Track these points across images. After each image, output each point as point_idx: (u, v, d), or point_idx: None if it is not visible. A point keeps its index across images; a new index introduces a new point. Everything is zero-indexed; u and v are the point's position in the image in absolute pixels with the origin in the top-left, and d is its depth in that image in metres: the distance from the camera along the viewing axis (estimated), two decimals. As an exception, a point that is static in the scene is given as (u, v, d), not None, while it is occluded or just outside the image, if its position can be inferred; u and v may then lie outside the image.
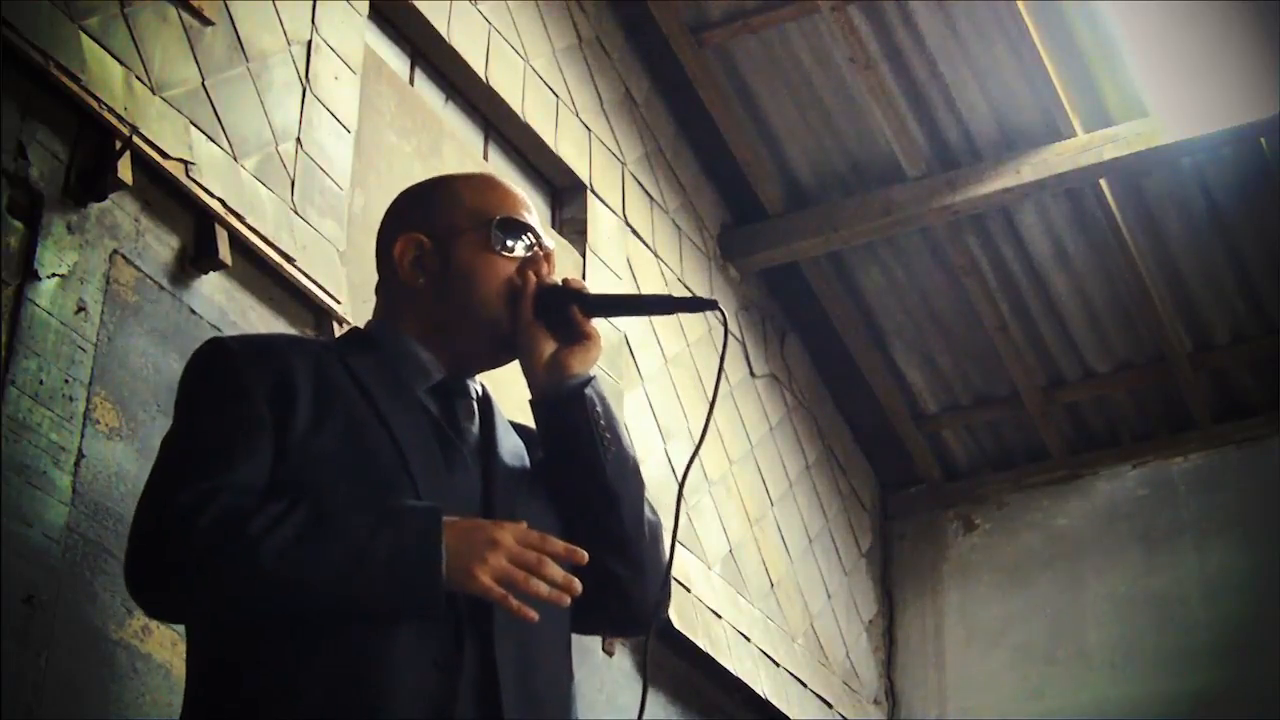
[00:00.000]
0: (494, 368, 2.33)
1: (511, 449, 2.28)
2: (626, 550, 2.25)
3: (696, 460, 2.19)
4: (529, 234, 2.30)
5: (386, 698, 1.98)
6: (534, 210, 2.36)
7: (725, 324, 2.26)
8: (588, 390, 2.24)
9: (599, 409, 2.24)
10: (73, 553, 2.69)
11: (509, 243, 2.28)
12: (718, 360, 2.27)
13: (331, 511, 2.02)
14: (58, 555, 2.66)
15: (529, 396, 2.28)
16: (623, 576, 2.25)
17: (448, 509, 2.06)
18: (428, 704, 2.01)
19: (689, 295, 2.27)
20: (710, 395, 2.27)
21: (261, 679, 2.00)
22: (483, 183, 2.38)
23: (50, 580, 2.63)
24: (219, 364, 2.15)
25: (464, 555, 1.99)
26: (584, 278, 4.49)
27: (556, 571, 2.04)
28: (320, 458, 2.09)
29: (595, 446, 2.23)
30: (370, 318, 2.37)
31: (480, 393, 2.32)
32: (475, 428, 2.27)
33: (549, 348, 2.25)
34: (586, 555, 2.08)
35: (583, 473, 2.24)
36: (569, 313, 2.26)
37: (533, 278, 2.27)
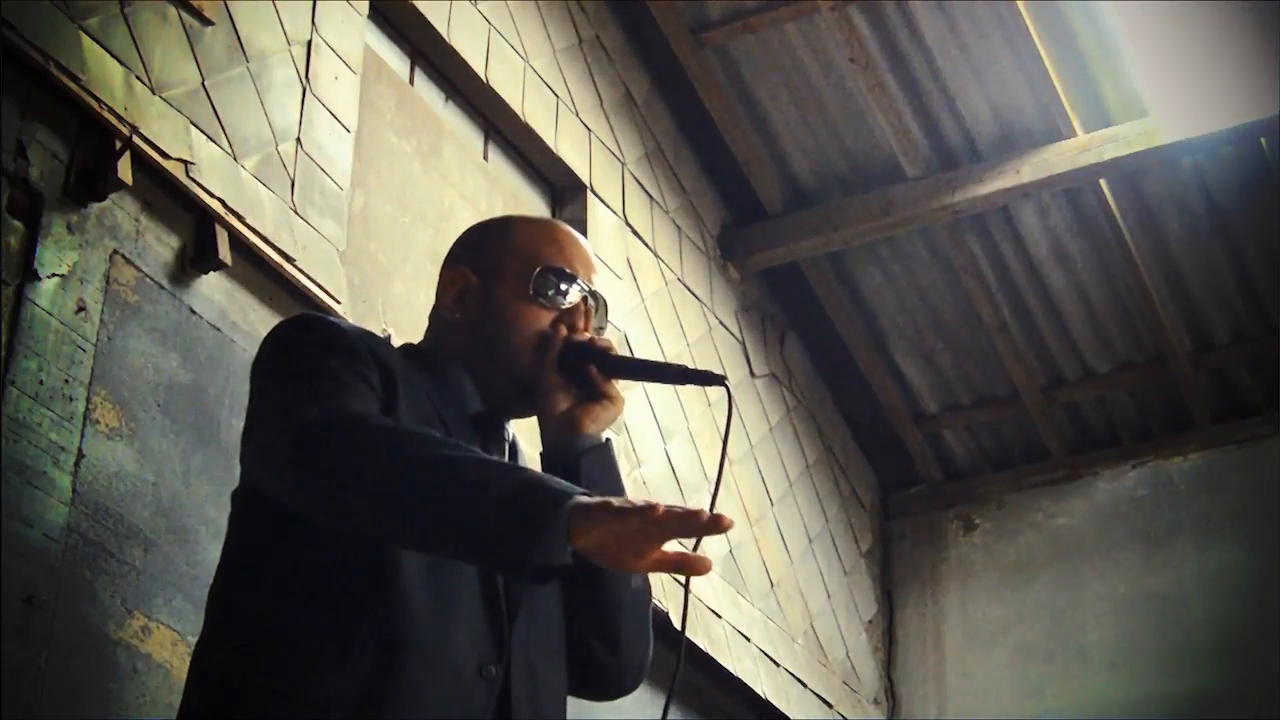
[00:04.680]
0: (521, 416, 2.31)
1: None
2: (606, 628, 2.24)
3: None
4: (574, 285, 2.29)
5: (429, 700, 1.99)
6: (590, 263, 2.34)
7: (730, 400, 2.24)
8: (585, 460, 2.21)
9: (594, 481, 2.19)
10: (73, 553, 2.69)
11: (549, 292, 2.28)
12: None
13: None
14: (58, 555, 2.66)
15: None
16: (599, 652, 2.25)
17: None
18: (469, 707, 2.03)
19: (701, 370, 2.26)
20: (719, 459, 2.26)
21: (294, 672, 1.99)
22: (541, 229, 2.38)
23: (50, 580, 2.63)
24: (334, 328, 2.15)
25: (595, 499, 1.86)
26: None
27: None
28: None
29: None
30: (422, 339, 2.38)
31: (511, 438, 2.32)
32: None
33: (564, 403, 2.24)
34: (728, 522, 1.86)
35: None
36: (588, 371, 2.25)
37: (562, 331, 2.26)
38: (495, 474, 1.90)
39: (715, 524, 1.82)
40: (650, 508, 1.81)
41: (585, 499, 1.84)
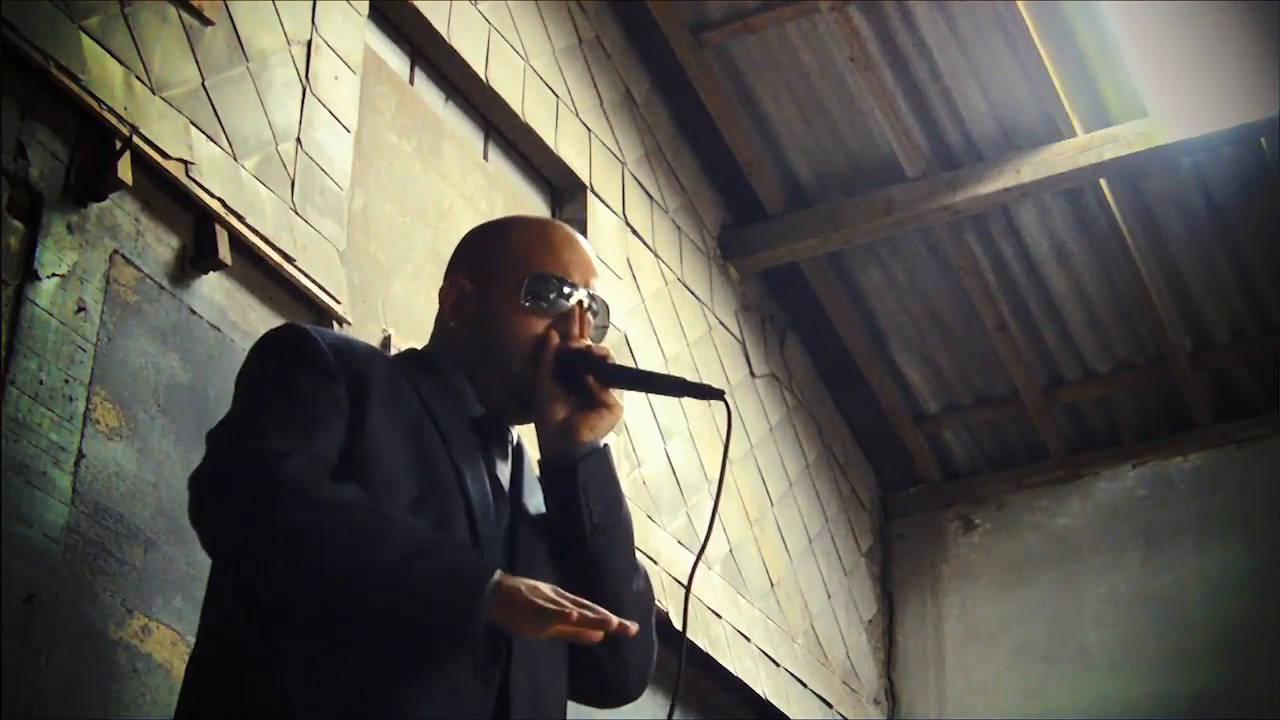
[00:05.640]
0: (521, 423, 2.31)
1: (537, 505, 2.27)
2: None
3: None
4: (568, 290, 2.28)
5: (423, 700, 1.99)
6: (589, 266, 2.33)
7: (729, 414, 2.25)
8: (583, 466, 2.21)
9: (592, 487, 2.21)
10: (73, 553, 2.69)
11: (541, 301, 2.27)
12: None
13: (398, 516, 2.03)
14: (58, 555, 2.66)
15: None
16: (602, 658, 2.25)
17: (490, 538, 2.11)
18: (464, 709, 2.03)
19: (701, 383, 2.27)
20: (719, 474, 2.27)
21: (288, 676, 1.99)
22: (537, 233, 2.36)
23: (50, 580, 2.63)
24: (306, 343, 2.15)
25: (511, 583, 1.97)
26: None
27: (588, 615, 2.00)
28: (386, 454, 2.10)
29: (582, 524, 2.21)
30: (427, 343, 2.38)
31: (515, 440, 2.32)
32: (507, 472, 2.27)
33: (561, 412, 2.23)
34: (630, 630, 2.02)
35: (571, 545, 2.22)
36: (585, 380, 2.24)
37: (555, 339, 2.25)
38: (408, 555, 1.95)
39: (623, 630, 1.99)
40: (566, 615, 1.94)
41: (503, 582, 1.95)
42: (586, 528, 2.21)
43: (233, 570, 2.09)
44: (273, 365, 2.16)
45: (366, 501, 2.01)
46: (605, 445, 2.27)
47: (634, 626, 2.00)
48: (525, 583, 1.97)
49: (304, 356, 2.13)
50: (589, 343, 2.27)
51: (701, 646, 4.62)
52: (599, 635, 1.99)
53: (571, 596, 1.98)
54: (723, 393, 2.24)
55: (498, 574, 1.95)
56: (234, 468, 2.01)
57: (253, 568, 2.05)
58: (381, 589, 1.96)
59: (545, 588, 1.97)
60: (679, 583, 4.57)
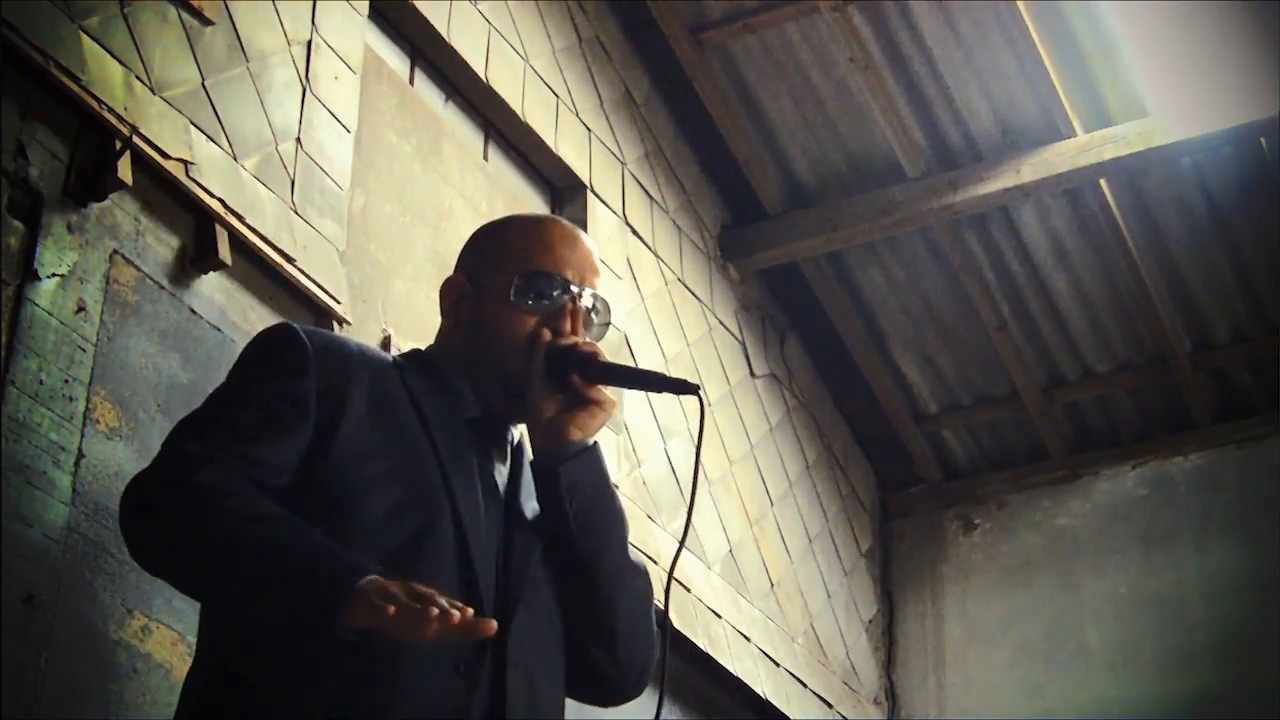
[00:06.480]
0: (521, 422, 2.30)
1: (535, 505, 2.26)
2: (602, 632, 2.23)
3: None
4: (563, 287, 2.27)
5: (404, 696, 1.99)
6: (587, 263, 2.31)
7: (702, 407, 2.23)
8: (565, 467, 2.19)
9: (577, 487, 2.20)
10: (73, 553, 2.69)
11: (530, 299, 2.26)
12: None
13: (296, 524, 1.99)
14: (58, 555, 2.66)
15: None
16: (596, 656, 2.24)
17: (478, 540, 2.09)
18: (446, 706, 2.02)
19: (676, 378, 2.28)
20: (693, 466, 2.26)
21: (278, 672, 2.00)
22: (534, 232, 2.35)
23: (50, 580, 2.64)
24: (289, 343, 2.16)
25: (366, 588, 1.89)
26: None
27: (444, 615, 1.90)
28: (363, 458, 2.10)
29: (568, 525, 2.20)
30: (431, 343, 2.38)
31: (515, 441, 2.31)
32: (505, 472, 2.27)
33: (550, 410, 2.22)
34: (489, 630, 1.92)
35: (560, 548, 2.22)
36: (571, 378, 2.23)
37: (546, 336, 2.24)
38: (284, 565, 1.93)
39: (486, 630, 1.88)
40: (425, 619, 1.83)
41: (361, 587, 1.87)
42: (572, 528, 2.20)
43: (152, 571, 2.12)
44: (249, 363, 2.19)
45: (272, 510, 1.99)
46: (594, 444, 2.25)
47: (493, 626, 1.89)
48: (380, 586, 1.88)
49: (276, 357, 2.14)
50: (576, 339, 2.26)
51: (701, 646, 4.62)
52: (489, 630, 1.91)
53: (430, 596, 1.87)
54: (697, 387, 2.24)
55: (367, 578, 1.89)
56: (151, 474, 2.05)
57: (154, 570, 2.09)
58: (258, 600, 1.96)
59: (397, 589, 1.88)
60: (680, 583, 4.57)
